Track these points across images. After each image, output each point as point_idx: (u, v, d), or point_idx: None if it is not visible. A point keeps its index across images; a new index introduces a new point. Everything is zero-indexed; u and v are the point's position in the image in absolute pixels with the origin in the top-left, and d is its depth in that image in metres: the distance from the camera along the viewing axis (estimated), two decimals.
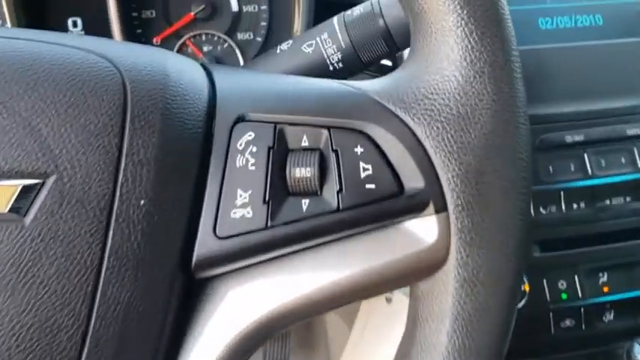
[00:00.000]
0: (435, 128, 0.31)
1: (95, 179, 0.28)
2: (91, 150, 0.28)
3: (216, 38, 0.71)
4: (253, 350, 0.32)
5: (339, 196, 0.30)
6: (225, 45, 0.71)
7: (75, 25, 0.69)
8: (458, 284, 0.30)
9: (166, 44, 0.69)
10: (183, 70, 0.32)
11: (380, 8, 0.43)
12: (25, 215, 0.27)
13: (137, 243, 0.29)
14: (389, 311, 0.49)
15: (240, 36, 0.71)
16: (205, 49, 0.71)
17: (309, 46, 0.44)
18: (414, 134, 0.31)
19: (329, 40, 0.44)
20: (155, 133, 0.29)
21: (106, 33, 0.68)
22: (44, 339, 0.27)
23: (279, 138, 0.31)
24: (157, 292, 0.30)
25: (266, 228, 0.30)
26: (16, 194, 0.27)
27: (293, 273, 0.31)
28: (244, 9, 0.71)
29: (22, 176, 0.28)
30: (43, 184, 0.28)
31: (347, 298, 0.32)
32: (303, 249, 0.31)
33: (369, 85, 0.32)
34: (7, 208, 0.27)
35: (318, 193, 0.31)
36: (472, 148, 0.30)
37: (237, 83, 0.33)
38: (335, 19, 0.45)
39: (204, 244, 0.30)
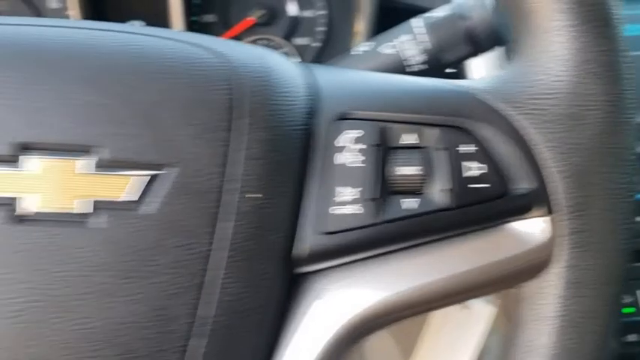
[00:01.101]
0: (543, 128, 0.30)
1: (207, 172, 0.28)
2: (204, 143, 0.28)
3: (274, 43, 0.71)
4: (348, 349, 0.32)
5: (445, 195, 0.30)
6: (284, 49, 0.71)
7: None
8: (564, 286, 0.30)
9: None
10: (286, 69, 0.32)
11: (464, 10, 0.43)
12: (142, 204, 0.27)
13: (243, 236, 0.28)
14: (464, 318, 0.48)
15: (298, 41, 0.71)
16: None
17: (389, 47, 0.44)
18: (521, 134, 0.30)
19: (409, 42, 0.43)
20: (261, 129, 0.29)
21: None
22: (154, 327, 0.27)
23: (382, 135, 0.31)
24: (261, 285, 0.29)
25: (368, 226, 0.30)
26: (134, 184, 0.27)
27: (394, 272, 0.31)
28: (303, 14, 0.71)
29: (139, 167, 0.28)
30: (159, 174, 0.27)
31: (449, 299, 0.31)
32: (405, 248, 0.31)
33: (474, 84, 0.32)
34: (126, 197, 0.27)
35: (422, 191, 0.30)
36: (582, 149, 0.30)
37: (338, 81, 0.33)
38: (414, 21, 0.44)
39: (305, 239, 0.30)
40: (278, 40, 0.71)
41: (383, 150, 0.30)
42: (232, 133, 0.29)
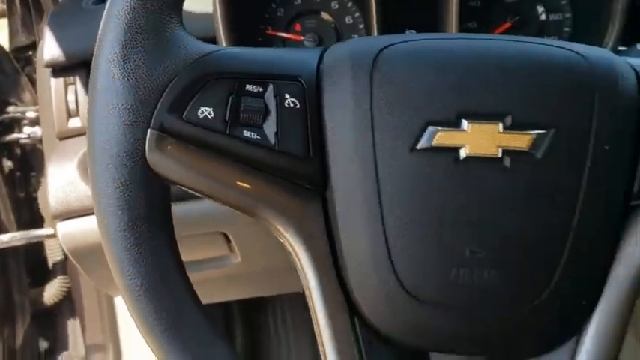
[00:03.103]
0: None
1: (579, 132, 0.42)
2: (576, 113, 0.42)
3: None
4: None
5: None
6: None
7: None
8: None
9: None
10: (620, 62, 0.45)
11: None
12: (539, 156, 0.42)
13: (602, 173, 0.42)
14: None
15: None
16: None
17: None
18: None
19: None
20: (614, 104, 0.43)
21: None
22: (522, 259, 0.41)
23: None
24: (606, 219, 0.43)
25: None
26: (531, 141, 0.42)
27: None
28: (551, 17, 0.83)
29: (531, 128, 0.42)
30: (548, 134, 0.42)
31: None
32: None
33: None
34: (530, 148, 0.42)
35: None
36: None
37: None
38: None
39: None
40: None
41: None
42: (595, 105, 0.42)
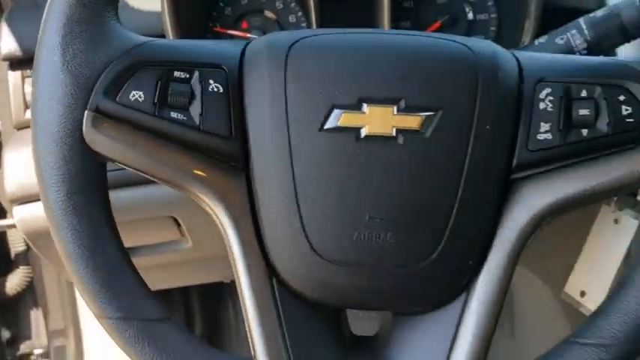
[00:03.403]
0: None
1: (462, 114, 0.48)
2: (461, 97, 0.48)
3: None
4: (540, 226, 0.50)
5: (608, 126, 0.48)
6: None
7: None
8: None
9: None
10: (505, 53, 0.51)
11: (619, 10, 0.60)
12: (427, 135, 0.48)
13: (482, 150, 0.48)
14: (617, 230, 0.65)
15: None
16: None
17: (561, 39, 0.63)
18: None
19: (577, 34, 0.62)
20: (494, 88, 0.49)
21: None
22: (414, 223, 0.48)
23: (567, 91, 0.49)
24: (488, 190, 0.49)
25: (560, 145, 0.49)
26: (421, 121, 0.48)
27: (571, 176, 0.49)
28: (477, 17, 0.90)
29: (420, 110, 0.48)
30: (436, 115, 0.48)
31: (607, 194, 0.49)
32: (580, 161, 0.49)
33: (628, 59, 0.50)
34: (420, 128, 0.48)
35: (593, 125, 0.49)
36: None
37: (532, 58, 0.52)
38: (581, 20, 0.62)
39: (519, 154, 0.49)
40: None
41: (567, 99, 0.49)
42: (478, 90, 0.49)
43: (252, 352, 0.50)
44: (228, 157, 0.50)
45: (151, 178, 0.51)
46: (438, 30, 0.89)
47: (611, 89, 0.49)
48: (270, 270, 0.50)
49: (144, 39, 0.51)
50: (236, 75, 0.51)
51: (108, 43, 0.49)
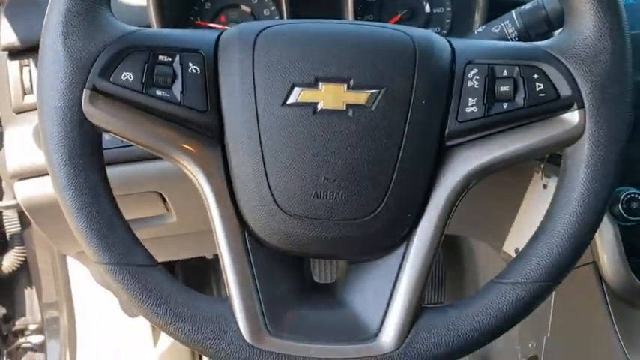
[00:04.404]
0: (578, 63, 0.57)
1: (402, 91, 0.57)
2: (401, 76, 0.58)
3: None
4: (467, 189, 0.60)
5: (525, 100, 0.58)
6: None
7: None
8: (590, 142, 0.57)
9: None
10: (440, 40, 0.61)
11: (543, 3, 0.70)
12: (373, 108, 0.57)
13: (419, 120, 0.58)
14: (545, 194, 0.75)
15: (431, 30, 1.00)
16: None
17: (496, 28, 0.72)
18: (566, 67, 0.58)
19: (509, 24, 0.71)
20: (429, 69, 0.58)
21: None
22: (361, 183, 0.57)
23: (491, 71, 0.59)
24: (425, 151, 0.58)
25: (484, 117, 0.58)
26: (367, 97, 0.57)
27: (494, 143, 0.59)
28: (434, 10, 1.00)
29: (367, 88, 0.57)
30: (377, 91, 0.57)
31: (525, 158, 0.59)
32: (502, 130, 0.59)
33: (542, 44, 0.60)
34: (367, 103, 0.57)
35: (512, 99, 0.58)
36: (600, 74, 0.57)
37: (464, 44, 0.61)
38: (513, 12, 0.72)
39: (450, 125, 0.59)
40: None
41: (491, 79, 0.59)
42: (416, 71, 0.58)
43: (227, 292, 0.59)
44: (205, 128, 0.59)
45: (139, 147, 0.60)
46: (398, 22, 0.99)
47: (527, 69, 0.59)
48: (242, 223, 0.59)
49: (133, 28, 0.60)
50: (212, 58, 0.60)
51: (102, 31, 0.58)
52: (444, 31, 1.00)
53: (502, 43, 0.62)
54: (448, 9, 1.00)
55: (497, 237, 0.94)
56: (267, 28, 0.60)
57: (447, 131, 0.59)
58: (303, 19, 0.63)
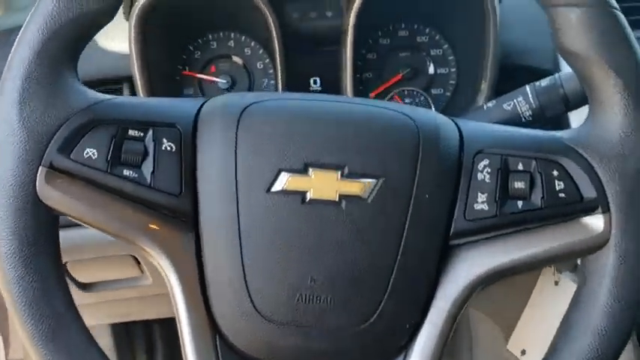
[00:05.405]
0: (604, 162, 0.50)
1: (402, 183, 0.50)
2: (403, 165, 0.51)
3: (415, 93, 0.93)
4: (476, 292, 0.52)
5: (542, 200, 0.51)
6: (422, 98, 0.93)
7: (315, 82, 0.94)
8: (616, 253, 0.50)
9: (379, 97, 0.93)
10: (447, 123, 0.54)
11: (561, 82, 0.64)
12: (369, 201, 0.50)
13: (421, 218, 0.50)
14: (556, 292, 0.68)
15: (434, 91, 0.94)
16: (407, 100, 0.93)
17: (508, 105, 0.66)
18: (590, 165, 0.51)
19: (523, 102, 0.65)
20: (434, 159, 0.51)
21: (337, 88, 0.93)
22: (354, 286, 0.50)
23: (504, 163, 0.52)
24: (428, 249, 0.51)
25: (495, 216, 0.51)
26: (363, 187, 0.50)
27: (505, 246, 0.52)
28: (438, 71, 0.93)
29: (363, 177, 0.50)
30: (378, 182, 0.50)
31: (539, 264, 0.52)
32: (515, 231, 0.52)
33: (562, 134, 0.53)
34: (362, 194, 0.50)
35: (528, 198, 0.51)
36: (629, 176, 0.50)
37: (476, 130, 0.54)
38: (527, 87, 0.66)
39: (456, 223, 0.52)
40: (419, 91, 0.93)
41: (504, 172, 0.52)
42: (419, 159, 0.51)
43: None
44: (178, 213, 0.52)
45: (104, 233, 0.52)
46: (399, 82, 0.92)
47: (546, 164, 0.52)
48: (213, 325, 0.51)
49: (102, 97, 0.53)
50: (190, 134, 0.53)
51: (65, 101, 0.51)
52: (448, 93, 0.93)
53: (516, 131, 0.55)
54: (453, 69, 0.93)
55: (502, 326, 0.86)
56: (253, 103, 0.53)
57: (452, 230, 0.52)
58: (293, 95, 0.56)
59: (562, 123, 0.80)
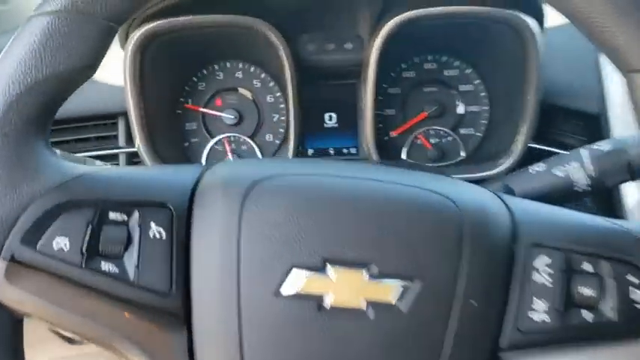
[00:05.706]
0: None
1: (442, 284, 0.41)
2: (442, 264, 0.41)
3: (442, 132, 0.84)
4: None
5: (614, 312, 0.41)
6: (450, 138, 0.84)
7: (330, 119, 0.85)
8: None
9: (401, 137, 0.84)
10: (495, 205, 0.44)
11: (624, 146, 0.54)
12: (402, 308, 0.41)
13: (465, 330, 0.41)
14: None
15: (462, 131, 0.84)
16: (432, 141, 0.84)
17: (560, 171, 0.56)
18: None
19: (578, 168, 0.55)
20: (481, 253, 0.42)
21: (354, 125, 0.83)
22: None
23: (567, 263, 0.42)
24: None
25: (556, 329, 0.42)
26: (395, 292, 0.41)
27: None
28: (468, 109, 0.83)
29: (396, 278, 0.41)
30: (412, 285, 0.41)
31: None
32: (576, 346, 0.42)
33: (629, 225, 0.43)
34: (393, 300, 0.41)
35: (596, 307, 0.42)
36: None
37: (532, 214, 0.45)
38: (583, 151, 0.55)
39: (507, 334, 0.42)
40: (446, 130, 0.83)
41: (567, 273, 0.42)
42: (463, 257, 0.41)
43: None
44: (166, 314, 0.42)
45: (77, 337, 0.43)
46: (424, 120, 0.83)
47: (618, 265, 0.42)
48: None
49: (76, 171, 0.43)
50: (184, 216, 0.43)
51: (31, 178, 0.41)
52: (479, 134, 0.83)
53: (581, 218, 0.45)
54: (485, 108, 0.84)
55: None
56: (261, 180, 0.44)
57: (501, 342, 0.42)
58: (307, 166, 0.46)
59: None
